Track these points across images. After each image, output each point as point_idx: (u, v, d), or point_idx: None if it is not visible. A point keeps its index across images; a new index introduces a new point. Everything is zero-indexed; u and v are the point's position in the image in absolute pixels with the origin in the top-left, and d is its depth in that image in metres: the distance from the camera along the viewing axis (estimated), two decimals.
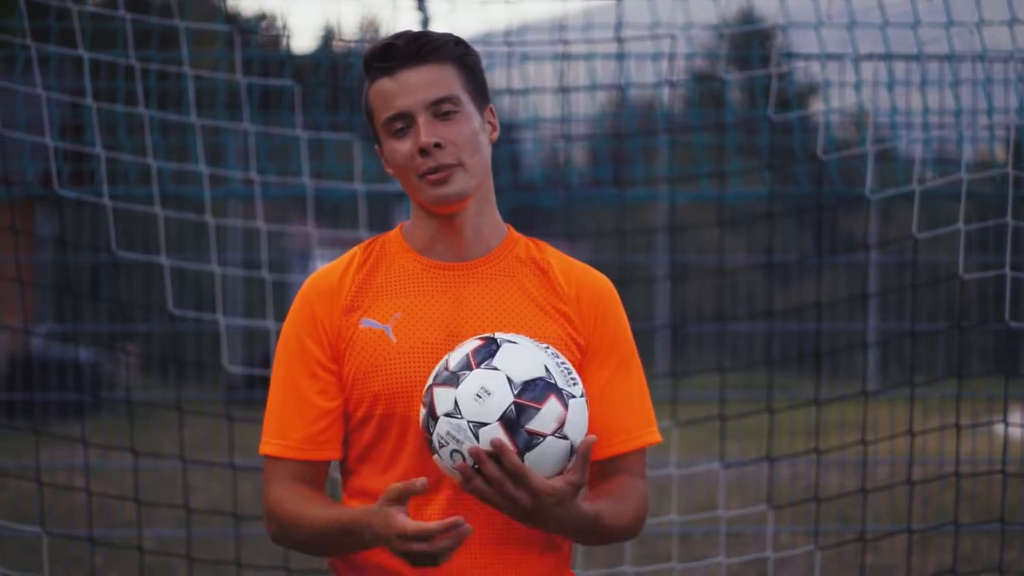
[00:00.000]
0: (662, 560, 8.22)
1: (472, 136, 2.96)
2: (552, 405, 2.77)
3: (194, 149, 7.32)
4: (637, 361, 3.06)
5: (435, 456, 2.80)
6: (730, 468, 8.80)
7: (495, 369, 2.78)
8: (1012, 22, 6.54)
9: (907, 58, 8.84)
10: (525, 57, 9.25)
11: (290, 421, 3.00)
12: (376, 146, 3.04)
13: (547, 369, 2.80)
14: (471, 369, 2.79)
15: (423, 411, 2.81)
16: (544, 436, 2.76)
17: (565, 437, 2.78)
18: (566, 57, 8.72)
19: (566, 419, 2.78)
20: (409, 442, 2.95)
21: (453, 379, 2.79)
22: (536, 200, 10.33)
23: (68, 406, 10.95)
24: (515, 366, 2.79)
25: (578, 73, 9.21)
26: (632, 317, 3.13)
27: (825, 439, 7.17)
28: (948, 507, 9.41)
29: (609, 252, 12.01)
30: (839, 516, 9.75)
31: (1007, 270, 6.03)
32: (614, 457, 3.02)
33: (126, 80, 8.74)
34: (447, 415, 2.78)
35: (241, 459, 7.02)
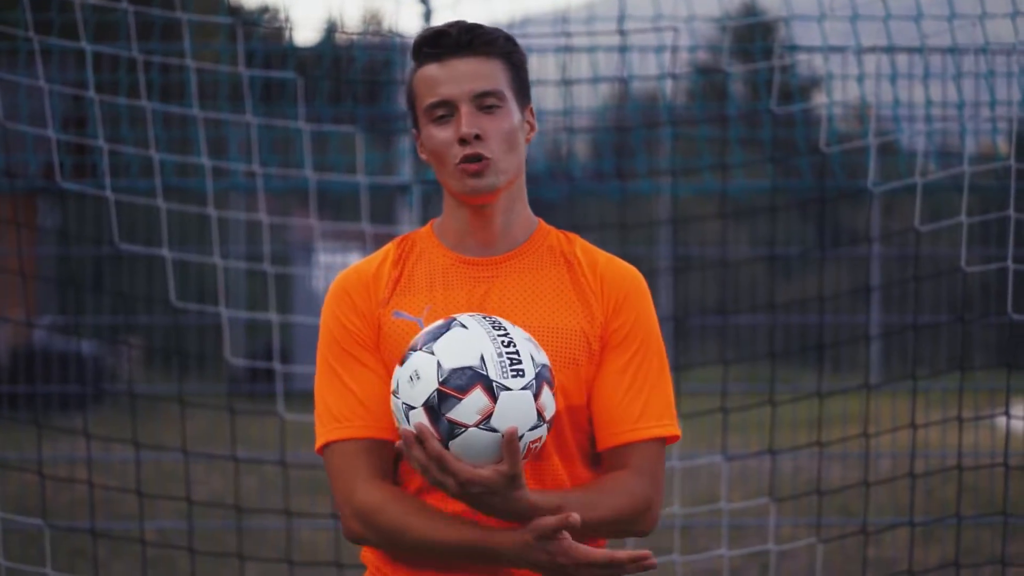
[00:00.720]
0: (664, 552, 8.22)
1: (511, 132, 3.00)
2: (476, 396, 2.76)
3: (196, 142, 7.32)
4: (657, 351, 3.04)
5: None
6: (732, 461, 8.79)
7: (431, 353, 2.80)
8: (1015, 15, 6.53)
9: (910, 51, 8.84)
10: (528, 50, 9.24)
11: (347, 405, 3.00)
12: (413, 130, 3.07)
13: (482, 358, 2.78)
14: (416, 350, 2.82)
15: None
16: (466, 427, 2.76)
17: (493, 429, 2.76)
18: (568, 50, 8.72)
19: (493, 412, 2.76)
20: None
21: (403, 357, 2.83)
22: (539, 192, 10.32)
23: (70, 398, 10.95)
24: (450, 352, 2.79)
25: (581, 66, 9.21)
26: None
27: (827, 432, 7.16)
28: (950, 500, 9.41)
29: (612, 245, 11.98)
30: (841, 509, 9.76)
31: (1009, 263, 6.03)
32: (617, 448, 3.00)
33: (128, 73, 8.74)
34: (393, 392, 2.83)
35: (243, 452, 7.02)
